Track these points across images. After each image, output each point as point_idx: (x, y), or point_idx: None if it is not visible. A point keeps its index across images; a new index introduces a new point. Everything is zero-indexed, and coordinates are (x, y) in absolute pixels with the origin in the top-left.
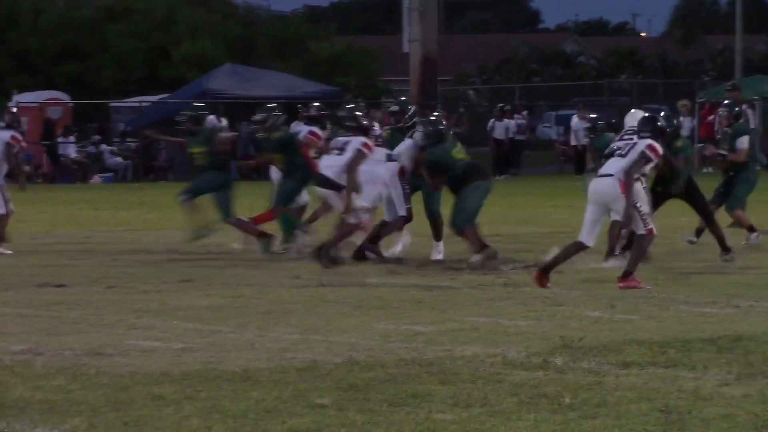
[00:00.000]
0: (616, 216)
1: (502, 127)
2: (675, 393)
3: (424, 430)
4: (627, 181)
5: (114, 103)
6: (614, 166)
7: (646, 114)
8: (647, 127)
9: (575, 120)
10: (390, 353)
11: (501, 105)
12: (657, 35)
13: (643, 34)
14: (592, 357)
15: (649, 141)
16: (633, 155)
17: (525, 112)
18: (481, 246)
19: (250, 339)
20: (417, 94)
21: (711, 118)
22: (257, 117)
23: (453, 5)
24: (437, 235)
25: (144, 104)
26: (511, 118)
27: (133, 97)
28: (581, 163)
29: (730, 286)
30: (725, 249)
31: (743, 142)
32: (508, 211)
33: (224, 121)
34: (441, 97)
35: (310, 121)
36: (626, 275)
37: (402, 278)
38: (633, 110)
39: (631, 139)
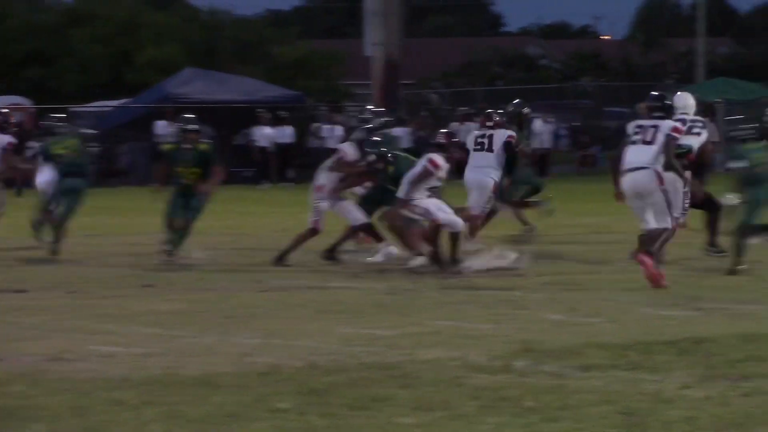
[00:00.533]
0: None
1: (464, 131)
2: (636, 396)
3: None
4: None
5: (76, 108)
6: (644, 155)
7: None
8: (659, 105)
9: (538, 123)
10: (351, 357)
11: (463, 109)
12: (620, 38)
13: (605, 37)
14: (554, 360)
15: (671, 122)
16: (660, 139)
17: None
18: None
19: (211, 344)
20: (379, 98)
21: None
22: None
23: (416, 9)
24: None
25: (106, 109)
26: (474, 121)
27: (96, 101)
28: (543, 166)
29: (692, 288)
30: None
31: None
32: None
33: (175, 126)
34: (404, 101)
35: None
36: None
37: (364, 282)
38: (679, 93)
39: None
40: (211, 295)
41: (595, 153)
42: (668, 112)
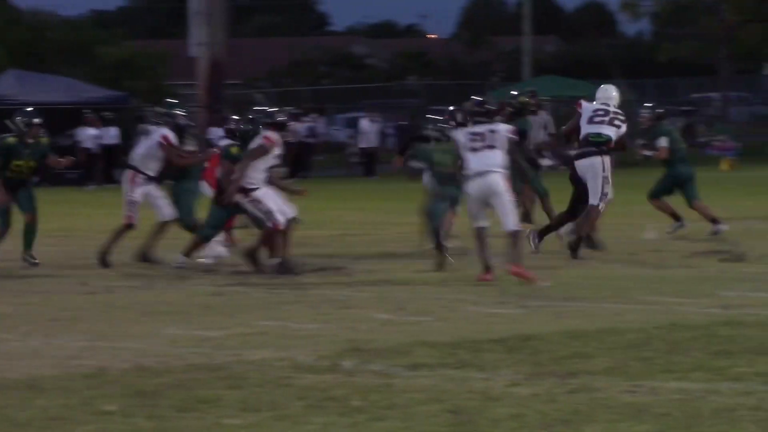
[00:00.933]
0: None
1: (293, 131)
2: (465, 394)
3: None
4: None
5: None
6: (492, 159)
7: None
8: (482, 110)
9: (364, 122)
10: (178, 358)
11: (290, 108)
12: (446, 37)
13: (432, 36)
14: (382, 359)
15: (506, 126)
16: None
17: (315, 116)
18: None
19: (35, 346)
20: (204, 98)
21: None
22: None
23: (241, 8)
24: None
25: None
26: (300, 121)
27: None
28: (371, 165)
29: (519, 287)
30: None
31: (662, 141)
32: (300, 214)
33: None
34: (230, 101)
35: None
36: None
37: (191, 283)
38: (603, 85)
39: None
40: (36, 297)
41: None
42: (490, 116)
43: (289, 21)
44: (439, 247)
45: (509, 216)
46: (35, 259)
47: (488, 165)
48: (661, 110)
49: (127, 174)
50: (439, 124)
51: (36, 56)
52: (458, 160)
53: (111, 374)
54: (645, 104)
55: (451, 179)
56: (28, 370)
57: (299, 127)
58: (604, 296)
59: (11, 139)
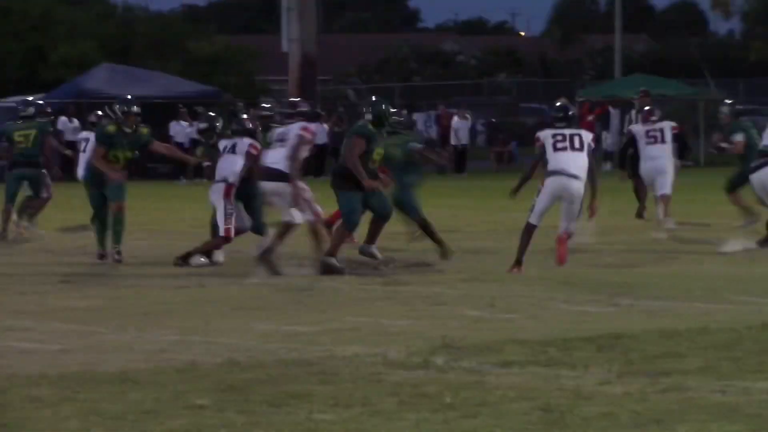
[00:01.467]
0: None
1: None
2: (556, 392)
3: (304, 430)
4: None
5: None
6: (580, 161)
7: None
8: (562, 116)
9: (456, 119)
10: (270, 354)
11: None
12: (536, 35)
13: (522, 34)
14: (473, 356)
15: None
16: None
17: (404, 111)
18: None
19: (128, 340)
20: (296, 94)
21: (590, 117)
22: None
23: (332, 4)
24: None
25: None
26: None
27: (11, 97)
28: (461, 162)
29: (609, 284)
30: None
31: (738, 136)
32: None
33: (76, 122)
34: (321, 97)
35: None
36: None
37: (283, 279)
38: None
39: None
40: (129, 291)
41: (511, 149)
42: (571, 121)
43: (379, 17)
44: (429, 233)
45: (571, 222)
46: (120, 255)
47: (573, 168)
48: (740, 107)
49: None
50: (393, 118)
51: (127, 51)
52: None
53: (203, 369)
54: (725, 101)
55: (408, 168)
56: (121, 363)
57: None
58: (695, 295)
59: (111, 127)
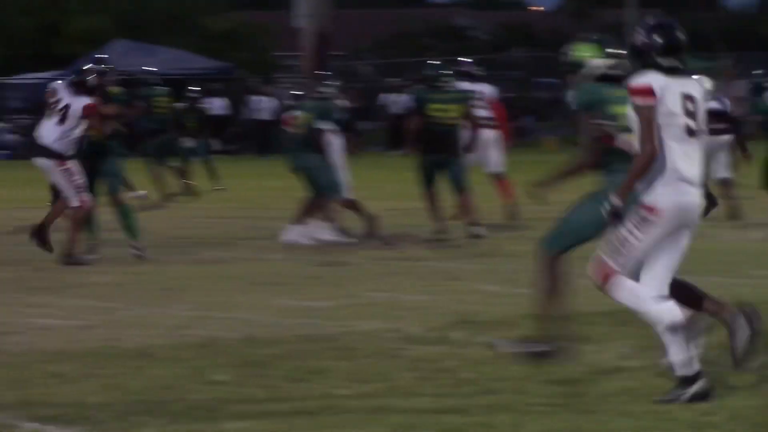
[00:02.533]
0: None
1: (392, 101)
2: (575, 366)
3: (323, 405)
4: None
5: (5, 80)
6: None
7: None
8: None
9: None
10: (288, 329)
11: (394, 80)
12: (549, 9)
13: (534, 8)
14: (491, 332)
15: None
16: None
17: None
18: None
19: (147, 316)
20: (309, 70)
21: None
22: None
23: None
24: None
25: (37, 81)
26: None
27: (25, 74)
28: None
29: None
30: None
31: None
32: (404, 187)
33: None
34: (335, 72)
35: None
36: None
37: (300, 254)
38: None
39: None
40: (146, 267)
41: (526, 124)
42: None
43: None
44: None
45: None
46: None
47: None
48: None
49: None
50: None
51: (140, 26)
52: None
53: (221, 344)
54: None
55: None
56: (141, 339)
57: (403, 98)
58: (714, 270)
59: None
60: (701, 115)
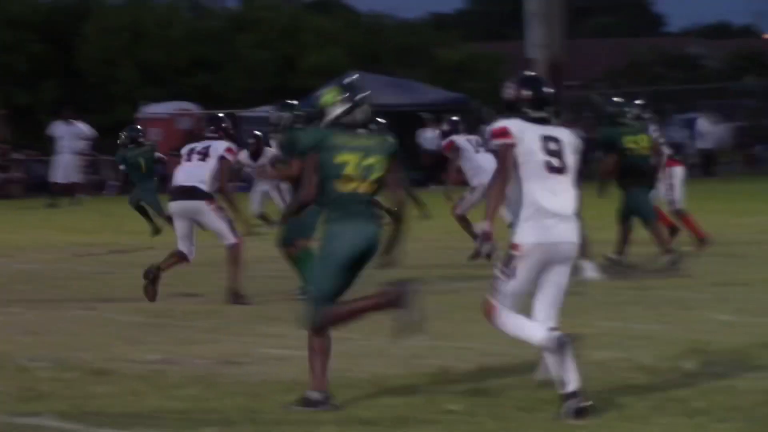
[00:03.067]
0: None
1: None
2: None
3: None
4: None
5: (244, 113)
6: None
7: None
8: None
9: (703, 123)
10: (520, 359)
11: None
12: None
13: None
14: (723, 361)
15: None
16: None
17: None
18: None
19: (380, 346)
20: None
21: None
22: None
23: (577, 9)
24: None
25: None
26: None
27: (262, 106)
28: (709, 166)
29: None
30: None
31: None
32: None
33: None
34: (568, 102)
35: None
36: None
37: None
38: None
39: None
40: None
41: (759, 152)
42: None
43: (625, 22)
44: None
45: None
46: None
47: None
48: None
49: None
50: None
51: (374, 59)
52: None
53: (454, 373)
54: None
55: None
56: (374, 368)
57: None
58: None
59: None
60: (568, 156)
